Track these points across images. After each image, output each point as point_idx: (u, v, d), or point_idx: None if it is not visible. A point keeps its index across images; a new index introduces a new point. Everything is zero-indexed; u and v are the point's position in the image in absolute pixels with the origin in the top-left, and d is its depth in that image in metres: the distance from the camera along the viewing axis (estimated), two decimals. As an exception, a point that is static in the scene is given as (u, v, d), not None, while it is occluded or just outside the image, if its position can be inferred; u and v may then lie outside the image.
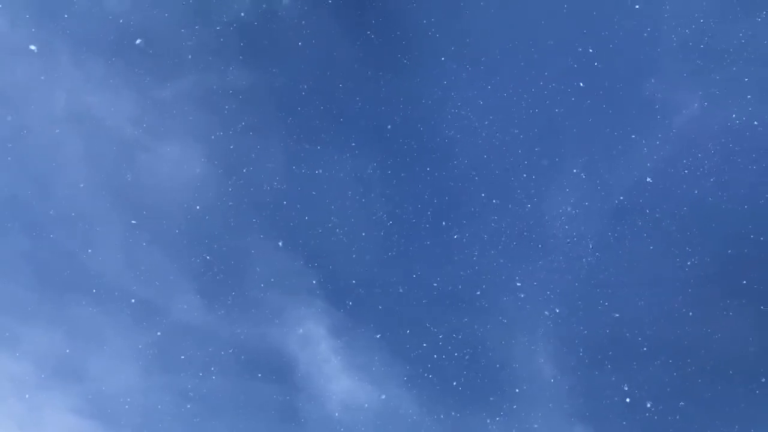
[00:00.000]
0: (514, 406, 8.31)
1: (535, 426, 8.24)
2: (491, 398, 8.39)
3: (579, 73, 8.20)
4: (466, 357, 8.48)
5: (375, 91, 8.46)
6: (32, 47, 6.50)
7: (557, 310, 8.37)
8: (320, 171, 8.53)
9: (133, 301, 8.49)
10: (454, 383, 8.49)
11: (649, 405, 8.06)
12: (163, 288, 8.51)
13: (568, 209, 8.33)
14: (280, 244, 8.55)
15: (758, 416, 7.76)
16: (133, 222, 8.37)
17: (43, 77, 8.12)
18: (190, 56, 8.30)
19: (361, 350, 8.64)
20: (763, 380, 7.77)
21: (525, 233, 8.43)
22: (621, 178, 8.24)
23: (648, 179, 8.16)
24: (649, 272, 8.21)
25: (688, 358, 8.01)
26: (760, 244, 7.87)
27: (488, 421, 8.35)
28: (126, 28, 8.18)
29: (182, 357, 8.55)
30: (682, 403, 7.98)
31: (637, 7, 8.07)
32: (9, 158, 8.21)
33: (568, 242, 8.34)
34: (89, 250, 8.40)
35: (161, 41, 8.20)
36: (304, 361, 8.65)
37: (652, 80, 8.11)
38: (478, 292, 8.48)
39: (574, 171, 8.31)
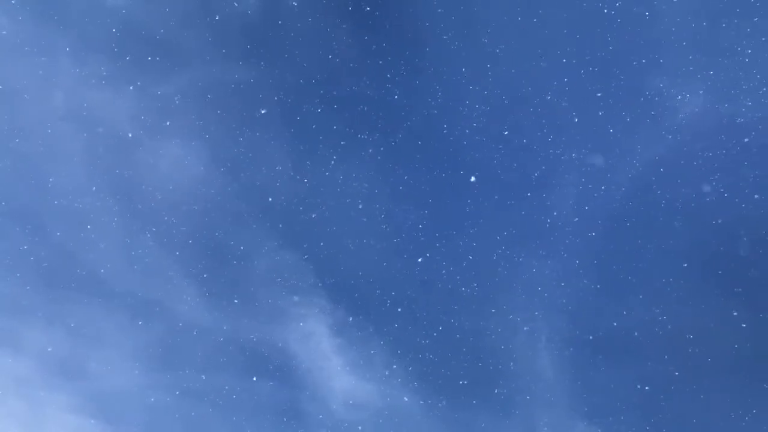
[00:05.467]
0: (515, 404, 8.32)
1: (537, 424, 8.25)
2: (492, 396, 8.41)
3: (580, 72, 8.17)
4: (468, 355, 8.49)
5: (380, 91, 8.43)
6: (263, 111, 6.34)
7: (559, 307, 8.39)
8: (322, 169, 8.51)
9: (134, 300, 8.50)
10: (456, 381, 8.50)
11: (651, 402, 8.08)
12: (164, 287, 8.51)
13: (570, 207, 8.33)
14: (282, 242, 8.55)
15: (758, 415, 7.78)
16: (134, 221, 8.36)
17: (42, 75, 8.09)
18: (191, 53, 8.26)
19: (362, 348, 8.65)
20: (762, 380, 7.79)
21: (527, 231, 8.43)
22: (623, 177, 8.22)
23: (651, 177, 8.15)
24: (650, 270, 8.21)
25: (690, 356, 8.02)
26: (761, 243, 7.87)
27: (489, 418, 8.37)
28: (126, 25, 8.13)
29: (183, 356, 8.56)
30: (684, 402, 8.00)
31: (638, 5, 8.03)
32: (9, 157, 8.18)
33: (570, 240, 8.34)
34: (90, 249, 8.39)
35: (162, 38, 8.16)
36: (306, 360, 8.67)
37: (654, 78, 8.08)
38: (480, 291, 8.49)
39: (577, 169, 8.30)
